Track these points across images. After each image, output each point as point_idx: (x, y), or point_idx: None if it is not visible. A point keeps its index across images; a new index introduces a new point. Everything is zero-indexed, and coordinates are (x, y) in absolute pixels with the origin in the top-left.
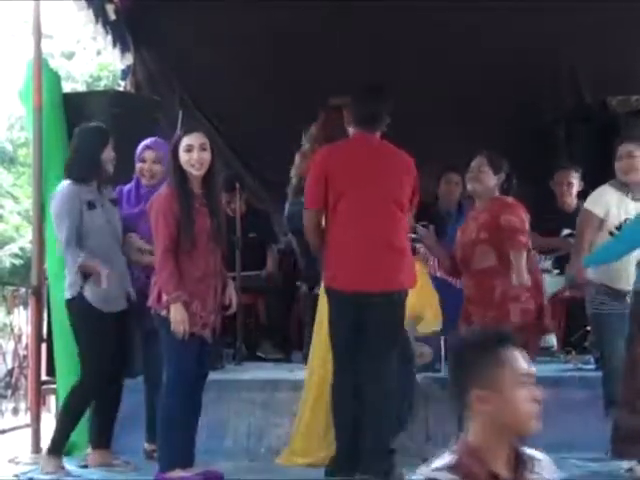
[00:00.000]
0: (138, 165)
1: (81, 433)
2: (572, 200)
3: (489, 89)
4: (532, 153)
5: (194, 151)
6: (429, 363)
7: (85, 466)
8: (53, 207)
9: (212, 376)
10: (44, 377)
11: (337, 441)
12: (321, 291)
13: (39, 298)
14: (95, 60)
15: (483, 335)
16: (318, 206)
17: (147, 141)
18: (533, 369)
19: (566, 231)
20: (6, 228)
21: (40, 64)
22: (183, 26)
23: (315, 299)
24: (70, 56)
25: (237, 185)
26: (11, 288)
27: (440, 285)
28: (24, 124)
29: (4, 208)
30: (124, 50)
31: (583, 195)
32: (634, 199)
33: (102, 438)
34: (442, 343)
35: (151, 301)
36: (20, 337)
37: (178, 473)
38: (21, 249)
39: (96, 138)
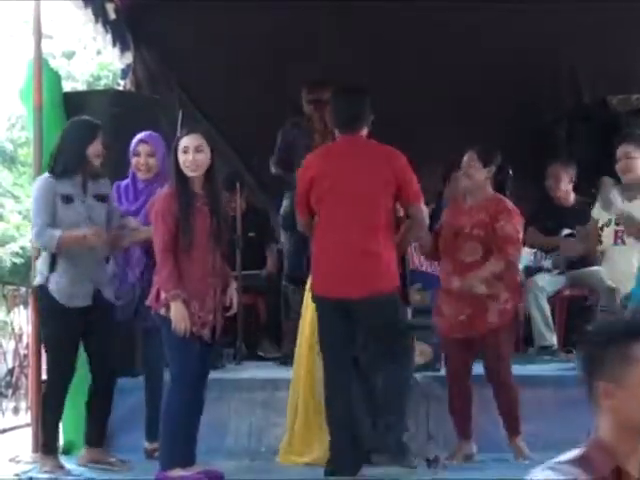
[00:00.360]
0: (133, 159)
1: (79, 432)
2: (564, 194)
3: (489, 89)
4: (533, 152)
5: (189, 153)
6: (429, 362)
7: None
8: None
9: (212, 375)
10: (45, 376)
11: (333, 441)
12: (307, 289)
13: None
14: (95, 60)
15: (612, 326)
16: (305, 217)
17: (141, 135)
18: None
19: (566, 231)
20: (7, 227)
21: (40, 64)
22: (183, 25)
23: (300, 298)
24: (70, 56)
25: (237, 184)
26: (11, 287)
27: (425, 279)
28: (25, 124)
29: (4, 207)
30: (124, 49)
31: (580, 192)
32: (629, 198)
33: (93, 436)
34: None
35: (150, 300)
36: (21, 336)
37: (179, 472)
38: (22, 248)
39: (82, 132)
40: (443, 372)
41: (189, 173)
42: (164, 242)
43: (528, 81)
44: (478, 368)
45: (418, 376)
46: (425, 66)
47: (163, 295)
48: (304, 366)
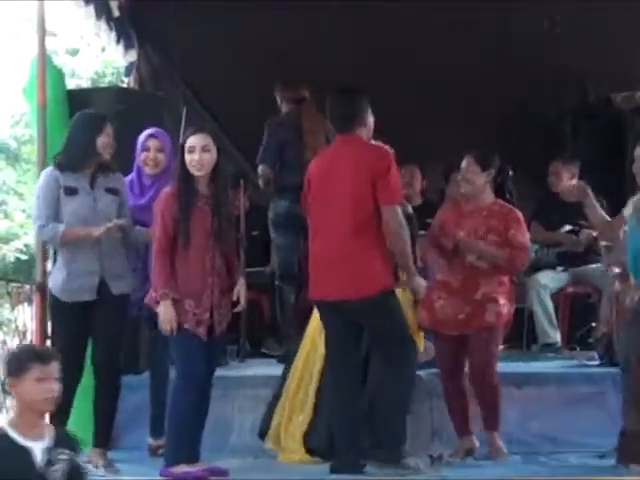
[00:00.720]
0: (142, 154)
1: (87, 430)
2: (565, 191)
3: (492, 88)
4: (537, 150)
5: (196, 152)
6: (433, 359)
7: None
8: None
9: (216, 373)
10: None
11: (339, 439)
12: None
13: (43, 295)
14: (100, 57)
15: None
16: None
17: (150, 130)
18: None
19: (567, 227)
20: (11, 225)
21: (44, 61)
22: (187, 23)
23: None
24: (74, 53)
25: (241, 182)
26: (15, 284)
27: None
28: (28, 121)
29: (8, 205)
30: (128, 47)
31: None
32: None
33: (96, 436)
34: None
35: (148, 298)
36: (25, 333)
37: (183, 468)
38: (25, 245)
39: (88, 125)
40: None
41: (195, 172)
42: (159, 242)
43: (532, 79)
44: None
45: (422, 373)
46: (426, 65)
47: (154, 294)
48: (302, 361)
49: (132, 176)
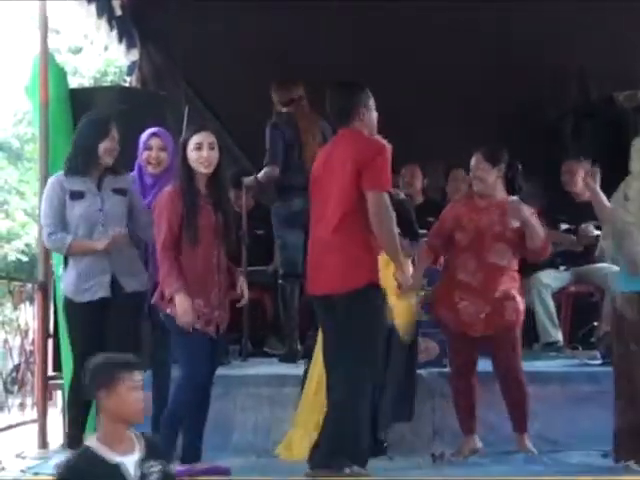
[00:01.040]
0: (145, 153)
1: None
2: (580, 189)
3: (493, 87)
4: (539, 149)
5: (203, 149)
6: (435, 358)
7: None
8: None
9: (218, 372)
10: (50, 372)
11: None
12: None
13: (45, 294)
14: (102, 55)
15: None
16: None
17: (153, 129)
18: None
19: (564, 226)
20: (12, 225)
21: (46, 60)
22: (189, 22)
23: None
24: (77, 51)
25: (243, 181)
26: (17, 283)
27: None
28: (31, 119)
29: (10, 205)
30: (130, 46)
31: None
32: None
33: None
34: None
35: (155, 299)
36: (27, 332)
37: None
38: (27, 245)
39: (92, 130)
40: (448, 368)
41: (202, 170)
42: (164, 240)
43: (533, 79)
44: (481, 364)
45: (423, 372)
46: (426, 65)
47: (167, 292)
48: (318, 363)
49: (134, 175)
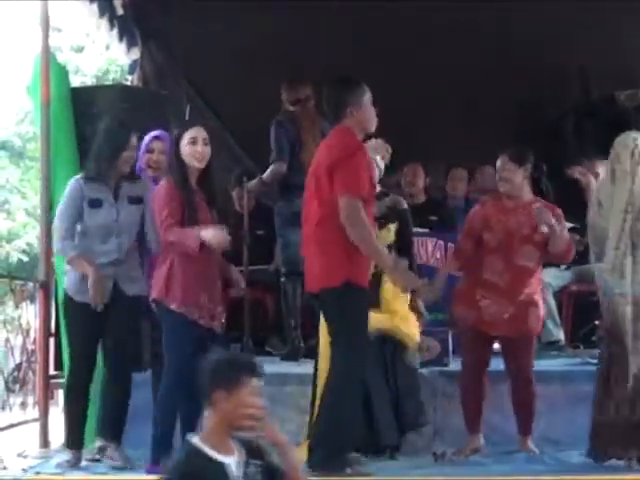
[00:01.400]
0: (145, 156)
1: (90, 427)
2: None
3: (494, 87)
4: (540, 149)
5: (198, 144)
6: (436, 357)
7: (97, 460)
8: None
9: None
10: (52, 371)
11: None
12: None
13: (47, 293)
14: (104, 54)
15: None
16: None
17: (155, 132)
18: None
19: (568, 225)
20: (14, 225)
21: (48, 60)
22: (191, 21)
23: (292, 295)
24: (79, 50)
25: (245, 181)
26: (19, 282)
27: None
28: (33, 118)
29: (11, 204)
30: (131, 45)
31: None
32: None
33: (111, 432)
34: (449, 337)
35: (157, 294)
36: (28, 331)
37: None
38: (28, 244)
39: (115, 139)
40: (450, 367)
41: (196, 164)
42: (169, 220)
43: (533, 78)
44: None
45: (425, 371)
46: (427, 65)
47: (191, 247)
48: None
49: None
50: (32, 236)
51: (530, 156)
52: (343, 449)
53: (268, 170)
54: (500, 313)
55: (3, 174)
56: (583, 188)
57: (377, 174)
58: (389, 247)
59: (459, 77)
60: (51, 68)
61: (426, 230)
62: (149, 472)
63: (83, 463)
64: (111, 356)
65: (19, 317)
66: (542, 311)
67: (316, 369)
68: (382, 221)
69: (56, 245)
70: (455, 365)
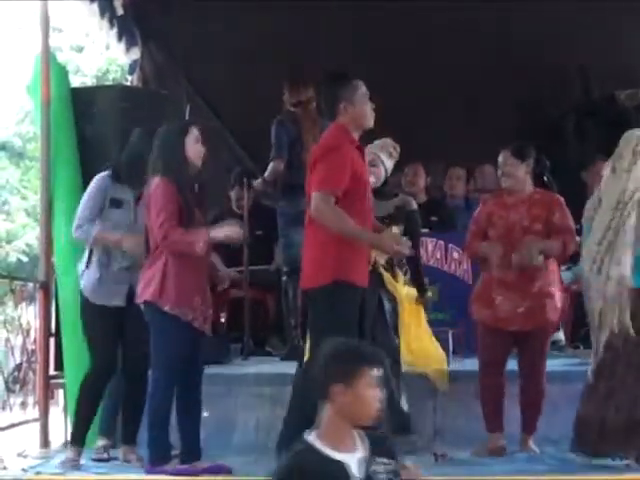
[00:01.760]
0: None
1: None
2: None
3: (494, 87)
4: (540, 148)
5: (200, 143)
6: None
7: (104, 459)
8: None
9: (220, 370)
10: (52, 371)
11: None
12: None
13: (47, 293)
14: (104, 54)
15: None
16: None
17: None
18: None
19: None
20: (13, 225)
21: (48, 61)
22: (191, 21)
23: (294, 293)
24: (79, 50)
25: (245, 181)
26: (19, 283)
27: (436, 274)
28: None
29: (11, 205)
30: (131, 44)
31: None
32: None
33: (128, 434)
34: (450, 336)
35: (150, 295)
36: (28, 332)
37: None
38: (27, 245)
39: (144, 144)
40: (451, 367)
41: (198, 163)
42: (172, 220)
43: (534, 78)
44: None
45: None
46: (428, 65)
47: (199, 248)
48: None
49: None
50: (32, 236)
51: (532, 151)
52: None
53: (268, 169)
54: (514, 308)
55: (3, 174)
56: (586, 189)
57: (382, 173)
58: None
59: (459, 77)
60: (51, 68)
61: (426, 230)
62: (148, 472)
63: (89, 462)
64: (129, 358)
65: (19, 317)
66: (559, 302)
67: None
68: (387, 221)
69: (75, 234)
70: (455, 365)
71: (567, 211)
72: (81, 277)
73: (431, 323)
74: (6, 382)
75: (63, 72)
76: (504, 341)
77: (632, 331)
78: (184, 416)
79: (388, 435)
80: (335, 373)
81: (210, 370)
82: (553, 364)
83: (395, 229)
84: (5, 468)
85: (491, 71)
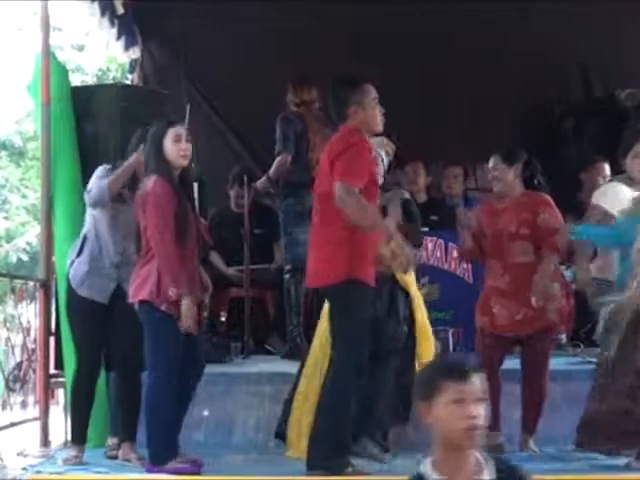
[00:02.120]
0: None
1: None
2: None
3: (494, 86)
4: (540, 148)
5: (182, 141)
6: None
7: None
8: None
9: (220, 369)
10: (52, 370)
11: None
12: None
13: (47, 291)
14: (105, 53)
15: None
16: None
17: None
18: None
19: None
20: (13, 224)
21: (48, 60)
22: (192, 19)
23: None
24: (80, 49)
25: (245, 179)
26: (19, 281)
27: (436, 273)
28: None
29: (12, 204)
30: (130, 43)
31: None
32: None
33: (128, 432)
34: (450, 335)
35: (147, 294)
36: (28, 330)
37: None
38: (28, 243)
39: (137, 140)
40: None
41: (181, 162)
42: (170, 235)
43: (536, 76)
44: None
45: None
46: (428, 64)
47: (172, 291)
48: (313, 359)
49: None
50: (32, 235)
51: (521, 155)
52: (343, 447)
53: (273, 165)
54: (512, 316)
55: (4, 173)
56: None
57: (382, 170)
58: None
59: (459, 77)
60: (51, 67)
61: (426, 229)
62: (149, 471)
63: (91, 460)
64: (121, 358)
65: (19, 316)
66: (562, 303)
67: (302, 365)
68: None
69: (88, 197)
70: None
71: (553, 209)
72: (70, 266)
73: (431, 322)
74: (6, 381)
75: (63, 71)
76: (502, 344)
77: None
78: (169, 415)
79: (518, 465)
80: (416, 392)
81: (210, 369)
82: (554, 363)
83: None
84: (5, 467)
85: (491, 71)
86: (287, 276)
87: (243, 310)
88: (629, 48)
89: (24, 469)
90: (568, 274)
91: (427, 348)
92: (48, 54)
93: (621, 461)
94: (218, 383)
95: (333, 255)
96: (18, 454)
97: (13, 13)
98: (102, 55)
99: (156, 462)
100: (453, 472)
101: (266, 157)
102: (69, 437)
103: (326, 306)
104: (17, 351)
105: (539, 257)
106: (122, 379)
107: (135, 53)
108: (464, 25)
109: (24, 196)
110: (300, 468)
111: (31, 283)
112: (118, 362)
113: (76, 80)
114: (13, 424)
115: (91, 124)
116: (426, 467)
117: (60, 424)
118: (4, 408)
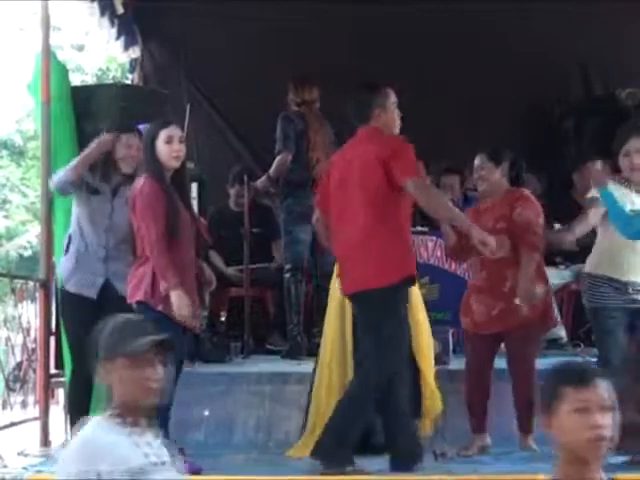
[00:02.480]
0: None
1: None
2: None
3: (494, 86)
4: (540, 147)
5: (174, 142)
6: (437, 356)
7: None
8: None
9: (220, 369)
10: (53, 370)
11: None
12: (332, 284)
13: (47, 291)
14: (105, 53)
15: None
16: (320, 209)
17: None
18: None
19: (557, 226)
20: (13, 223)
21: (49, 59)
22: (192, 18)
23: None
24: (80, 48)
25: (245, 178)
26: (19, 281)
27: (436, 273)
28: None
29: (12, 203)
30: (130, 43)
31: None
32: (637, 192)
33: None
34: (449, 335)
35: (143, 294)
36: (29, 330)
37: None
38: (28, 242)
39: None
40: (451, 366)
41: (173, 163)
42: (158, 233)
43: (536, 75)
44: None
45: None
46: (428, 64)
47: (162, 285)
48: (326, 358)
49: None
50: (32, 234)
51: (507, 154)
52: (350, 443)
53: (274, 164)
54: (489, 312)
55: (4, 172)
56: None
57: None
58: None
59: (459, 77)
60: (52, 66)
61: (426, 229)
62: None
63: None
64: None
65: (19, 316)
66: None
67: (316, 363)
68: None
69: (54, 180)
70: (455, 364)
71: (531, 203)
72: (59, 265)
73: (431, 322)
74: (6, 381)
75: (63, 70)
76: (485, 344)
77: None
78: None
79: None
80: (539, 399)
81: (210, 369)
82: (554, 362)
83: None
84: (5, 467)
85: (491, 71)
86: (287, 275)
87: (243, 310)
88: (629, 48)
89: (24, 469)
90: (568, 274)
91: (426, 348)
92: (48, 54)
93: (620, 459)
94: (218, 383)
95: (383, 256)
96: (18, 454)
97: (14, 13)
98: (102, 55)
99: None
100: None
101: (266, 156)
102: (69, 437)
103: (339, 297)
104: (17, 351)
105: (516, 252)
106: None
107: (135, 53)
108: (464, 25)
109: (24, 195)
110: (300, 468)
111: (31, 283)
112: None
113: (76, 80)
114: (13, 424)
115: (91, 123)
116: None
117: (60, 424)
118: (4, 408)
